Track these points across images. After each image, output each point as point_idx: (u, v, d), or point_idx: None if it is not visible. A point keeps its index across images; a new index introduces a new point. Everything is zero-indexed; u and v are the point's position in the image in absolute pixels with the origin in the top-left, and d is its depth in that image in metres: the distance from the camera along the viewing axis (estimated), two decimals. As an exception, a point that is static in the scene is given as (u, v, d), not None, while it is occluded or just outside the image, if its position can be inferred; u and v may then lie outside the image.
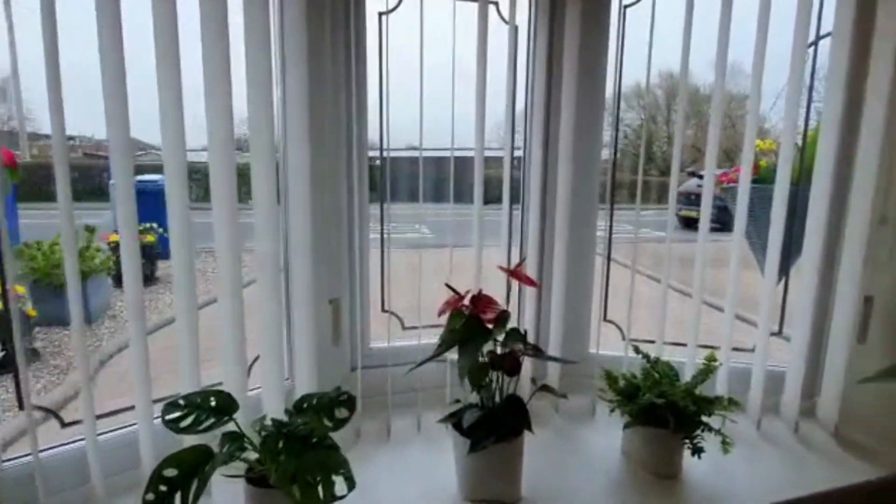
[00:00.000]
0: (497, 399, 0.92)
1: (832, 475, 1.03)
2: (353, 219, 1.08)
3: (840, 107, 1.12)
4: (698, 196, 1.42)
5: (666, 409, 0.94)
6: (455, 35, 1.11)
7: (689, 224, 1.54)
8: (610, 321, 1.40)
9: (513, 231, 1.35)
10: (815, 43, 1.25)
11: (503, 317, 0.85)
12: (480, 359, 0.90)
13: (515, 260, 1.29)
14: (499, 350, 0.90)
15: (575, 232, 1.24)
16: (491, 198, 1.23)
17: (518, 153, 1.33)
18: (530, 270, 1.29)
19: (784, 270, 1.29)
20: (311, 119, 0.96)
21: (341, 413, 0.83)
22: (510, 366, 0.89)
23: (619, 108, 1.31)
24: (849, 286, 1.12)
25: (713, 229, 1.32)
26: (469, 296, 0.90)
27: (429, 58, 1.13)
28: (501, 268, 0.95)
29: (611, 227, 1.38)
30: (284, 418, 0.84)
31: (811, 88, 1.29)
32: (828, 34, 1.19)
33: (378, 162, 1.20)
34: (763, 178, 1.34)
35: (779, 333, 1.35)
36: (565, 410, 1.25)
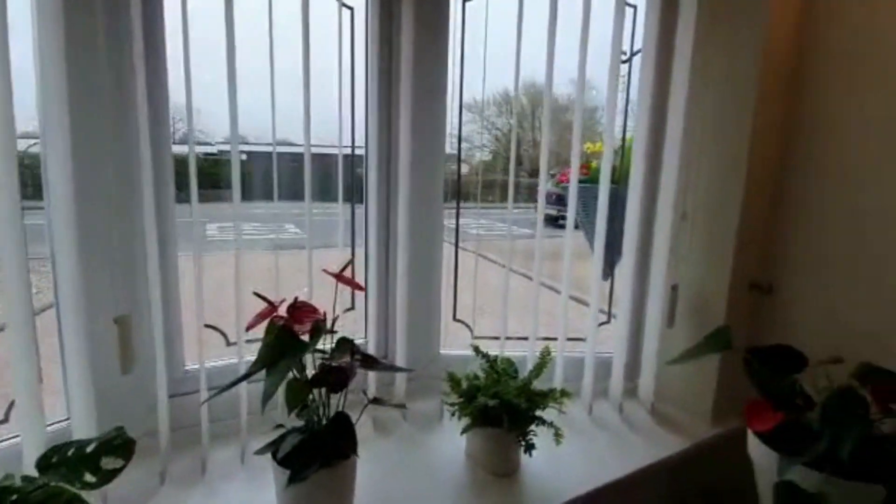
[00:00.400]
0: (325, 419, 0.83)
1: (649, 450, 1.12)
2: (144, 220, 0.88)
3: (648, 117, 1.23)
4: (557, 196, 1.47)
5: (500, 409, 0.93)
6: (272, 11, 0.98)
7: (553, 221, 1.61)
8: (459, 320, 1.38)
9: (358, 231, 1.27)
10: (629, 59, 1.37)
11: (318, 326, 0.76)
12: (302, 375, 0.80)
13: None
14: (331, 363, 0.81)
15: (419, 231, 1.19)
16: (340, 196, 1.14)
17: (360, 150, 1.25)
18: (373, 272, 1.21)
19: (611, 263, 1.40)
20: (72, 97, 0.76)
21: (112, 462, 0.67)
22: (336, 381, 0.80)
23: (461, 105, 1.29)
24: (659, 276, 1.24)
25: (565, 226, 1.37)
26: (285, 305, 0.79)
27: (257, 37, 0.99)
28: (326, 271, 0.86)
29: (457, 226, 1.37)
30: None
31: (627, 100, 1.40)
32: (639, 51, 1.30)
33: (244, 157, 1.04)
34: (594, 178, 1.44)
35: (608, 322, 1.46)
36: (414, 416, 1.19)
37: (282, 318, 0.77)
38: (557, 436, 0.98)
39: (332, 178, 1.15)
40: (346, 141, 1.19)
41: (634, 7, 1.26)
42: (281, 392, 0.81)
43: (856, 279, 1.10)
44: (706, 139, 1.19)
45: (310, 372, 0.82)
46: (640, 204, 1.22)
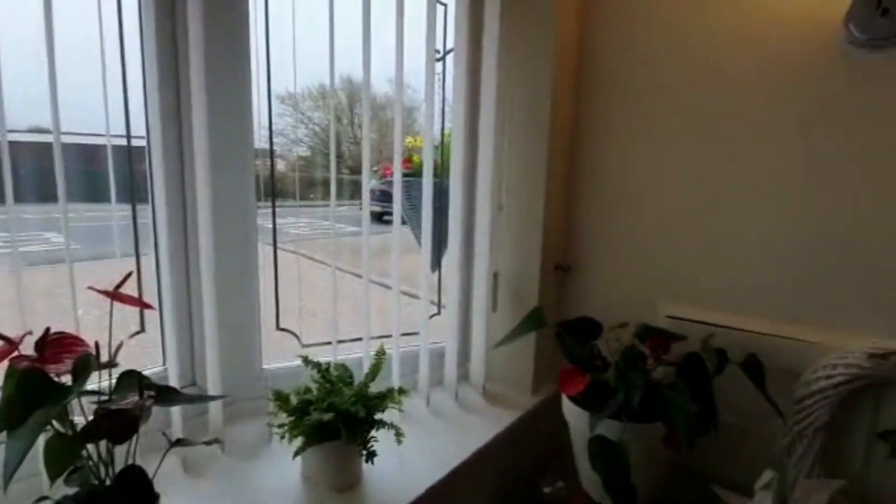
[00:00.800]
0: (110, 479, 0.65)
1: (485, 429, 1.17)
2: None
3: (464, 113, 1.28)
4: (382, 192, 1.42)
5: (336, 422, 0.86)
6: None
7: (378, 217, 1.58)
8: (284, 329, 1.25)
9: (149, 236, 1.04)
10: (443, 58, 1.41)
11: (85, 363, 0.58)
12: (68, 429, 0.61)
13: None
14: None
15: (227, 234, 1.03)
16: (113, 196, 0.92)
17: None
18: (168, 285, 1.00)
19: (439, 255, 1.43)
20: None
21: None
22: (119, 428, 0.63)
23: (270, 97, 1.15)
24: (482, 265, 1.30)
25: (391, 222, 1.34)
26: (31, 339, 0.59)
27: None
28: (93, 289, 0.67)
29: (274, 226, 1.23)
30: None
31: (444, 96, 1.45)
32: (451, 50, 1.35)
33: None
34: (418, 173, 1.45)
35: (439, 313, 1.49)
36: (236, 447, 1.04)
37: (26, 357, 0.57)
38: (398, 436, 0.96)
39: (104, 173, 0.92)
40: (119, 129, 0.97)
41: (445, 5, 1.30)
42: (41, 455, 0.60)
43: (630, 256, 1.32)
44: (515, 135, 1.30)
45: (82, 422, 0.63)
46: (463, 197, 1.27)
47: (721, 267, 1.18)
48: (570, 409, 1.08)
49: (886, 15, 0.89)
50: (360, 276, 1.20)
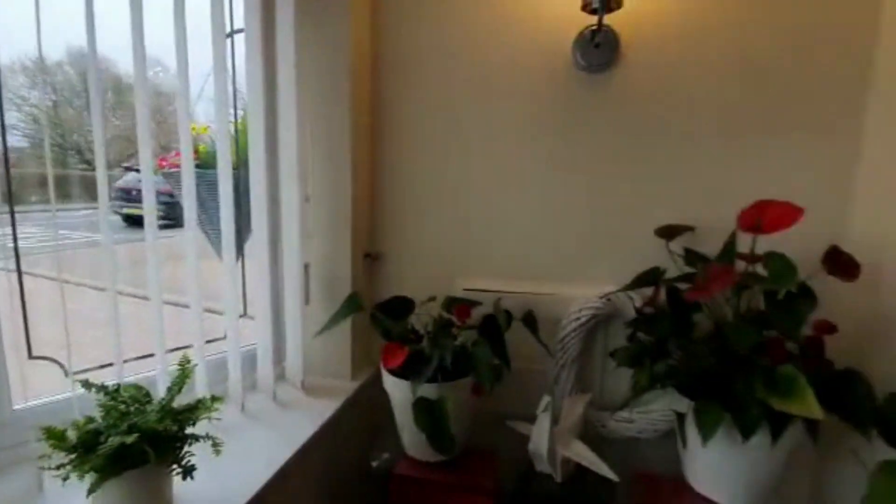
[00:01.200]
0: None
1: (308, 424, 1.16)
2: None
3: (261, 98, 1.21)
4: (141, 192, 1.24)
5: (143, 443, 0.75)
6: None
7: (136, 222, 1.36)
8: (40, 357, 1.01)
9: None
10: (231, 35, 1.30)
11: None
12: None
13: None
14: None
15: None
16: None
17: None
18: None
19: (239, 252, 1.34)
20: None
21: None
22: None
23: None
24: (291, 257, 1.28)
25: (165, 226, 1.19)
26: None
27: None
28: None
29: (15, 238, 0.97)
30: None
31: (234, 79, 1.35)
32: (242, 29, 1.26)
33: None
34: (205, 164, 1.32)
35: (245, 314, 1.40)
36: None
37: None
38: (216, 446, 0.89)
39: None
40: None
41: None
42: None
43: (430, 240, 1.47)
44: (317, 124, 1.30)
45: None
46: (266, 189, 1.21)
47: (499, 244, 1.42)
48: (391, 382, 1.16)
49: (599, 48, 1.22)
50: (131, 294, 1.04)
